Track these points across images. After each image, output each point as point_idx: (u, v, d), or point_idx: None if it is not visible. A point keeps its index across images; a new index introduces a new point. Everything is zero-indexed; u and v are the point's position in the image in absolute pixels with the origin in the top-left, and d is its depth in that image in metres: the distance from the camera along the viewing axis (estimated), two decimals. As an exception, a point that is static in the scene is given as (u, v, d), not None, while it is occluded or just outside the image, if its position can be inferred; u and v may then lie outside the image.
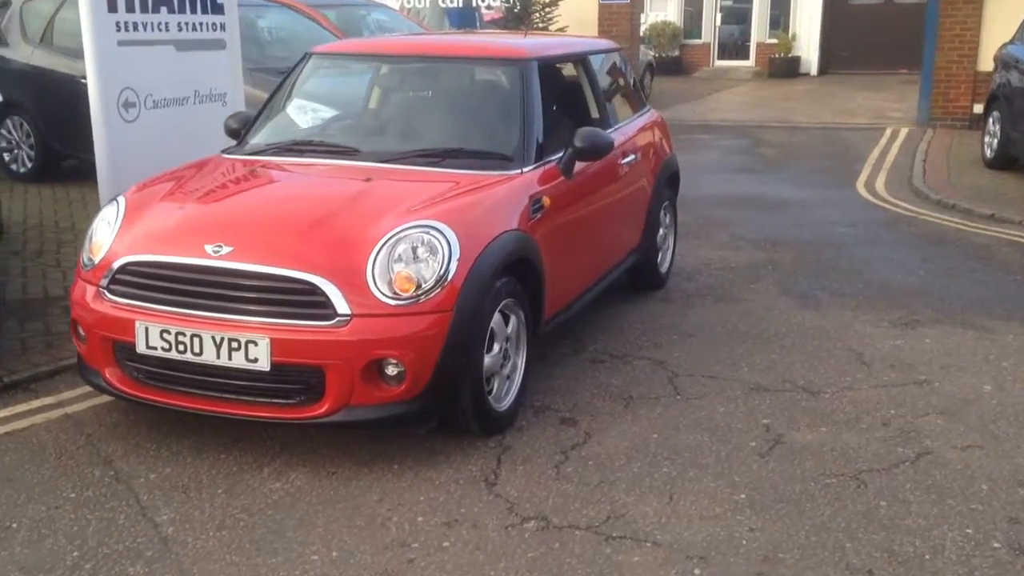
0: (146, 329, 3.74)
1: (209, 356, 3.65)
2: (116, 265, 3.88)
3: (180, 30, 6.44)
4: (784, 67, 22.75)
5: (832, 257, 7.13)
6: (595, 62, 5.53)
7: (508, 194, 4.20)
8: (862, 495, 3.66)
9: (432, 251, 3.71)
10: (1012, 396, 4.58)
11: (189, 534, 3.34)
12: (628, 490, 3.68)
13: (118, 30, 5.76)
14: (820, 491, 3.69)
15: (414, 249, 3.71)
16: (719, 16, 24.23)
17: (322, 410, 3.64)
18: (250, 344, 3.60)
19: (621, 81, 6.07)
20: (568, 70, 5.51)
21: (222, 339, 3.63)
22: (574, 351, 5.13)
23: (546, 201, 4.36)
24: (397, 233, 3.73)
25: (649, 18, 23.60)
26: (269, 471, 3.77)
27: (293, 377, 3.63)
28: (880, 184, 10.07)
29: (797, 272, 6.72)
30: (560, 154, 4.59)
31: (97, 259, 3.99)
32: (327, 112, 5.29)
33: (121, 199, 4.21)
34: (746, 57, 24.14)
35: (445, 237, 3.74)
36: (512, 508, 3.52)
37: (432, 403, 3.74)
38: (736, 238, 7.70)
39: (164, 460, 3.86)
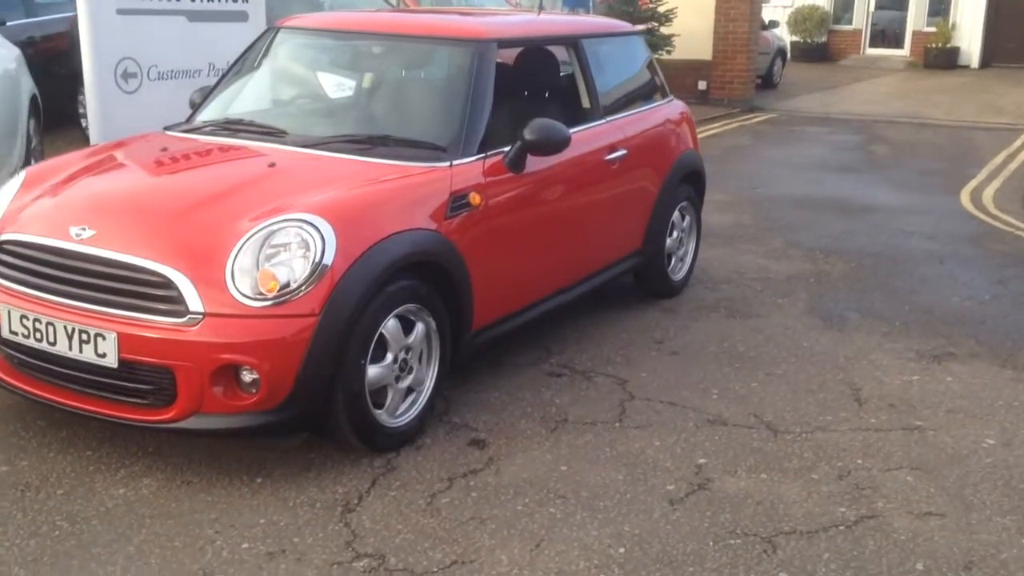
0: (8, 313, 3.52)
1: (62, 347, 3.41)
2: (-5, 243, 3.67)
3: (194, 0, 6.25)
4: (941, 58, 21.32)
5: (889, 273, 6.41)
6: (591, 46, 5.01)
7: (419, 189, 3.79)
8: (762, 563, 3.13)
9: (304, 248, 3.35)
10: (1015, 454, 3.91)
11: (-3, 539, 3.10)
12: (495, 532, 3.25)
13: (118, -2, 5.55)
14: (716, 553, 3.17)
15: (284, 245, 3.36)
16: (873, 1, 22.85)
17: (169, 415, 3.34)
18: (99, 337, 3.33)
19: (630, 68, 5.53)
20: (558, 55, 5.02)
21: (73, 330, 3.37)
22: (533, 361, 4.69)
23: (474, 199, 3.93)
24: (267, 227, 3.39)
25: (796, 1, 22.48)
26: (124, 474, 3.50)
27: (143, 376, 3.34)
28: (988, 194, 9.15)
29: (839, 288, 6.06)
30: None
31: (-14, 235, 3.80)
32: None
33: (23, 172, 4.01)
34: (900, 46, 22.76)
35: (320, 233, 3.37)
36: (351, 543, 3.14)
37: (295, 415, 3.39)
38: (790, 245, 7.05)
39: (27, 452, 3.64)
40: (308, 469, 3.57)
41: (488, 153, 4.12)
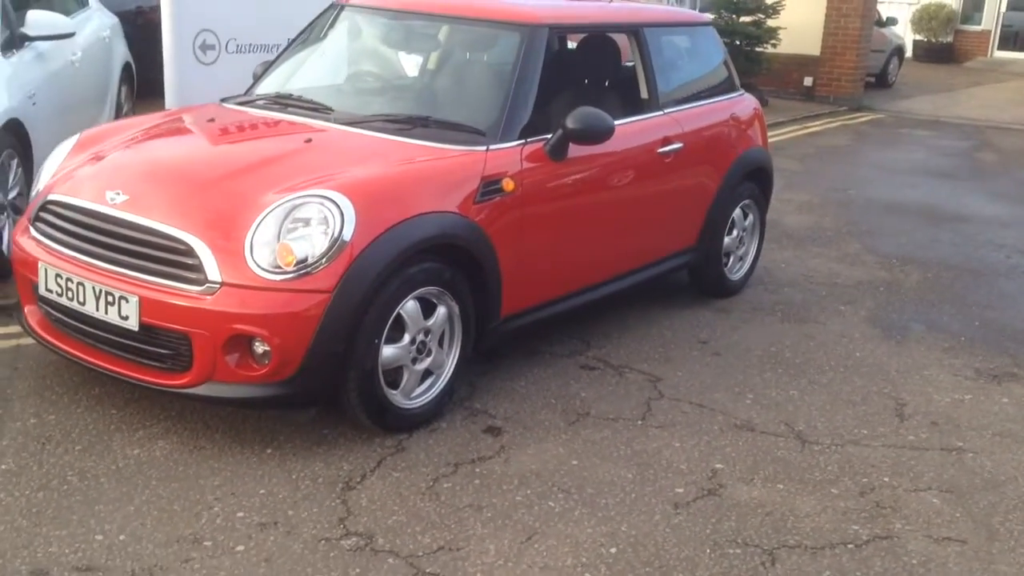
0: (45, 271, 3.64)
1: (90, 307, 3.51)
2: (41, 202, 3.80)
3: (275, -26, 6.31)
4: (1073, 65, 20.29)
5: (967, 286, 6.15)
6: (654, 35, 4.91)
7: (449, 172, 3.78)
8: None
9: (324, 224, 3.37)
10: (1055, 485, 3.71)
11: (9, 489, 3.21)
12: (489, 520, 3.23)
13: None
14: (710, 561, 3.10)
15: (305, 221, 3.39)
16: (1005, 1, 21.89)
17: (184, 380, 3.41)
18: (123, 300, 3.42)
19: (697, 59, 5.41)
20: (620, 42, 4.94)
21: (100, 291, 3.47)
22: (570, 353, 4.65)
23: (507, 184, 3.90)
24: (289, 201, 3.42)
25: None
26: (142, 435, 3.60)
27: (162, 341, 3.42)
28: (1094, 209, 8.69)
29: (908, 298, 5.84)
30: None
31: (35, 192, 3.94)
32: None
33: (77, 135, 4.13)
34: (1032, 50, 21.74)
35: (340, 210, 3.39)
36: (344, 520, 3.16)
37: (304, 389, 3.42)
38: (867, 251, 6.82)
39: (58, 407, 3.76)
40: (319, 444, 3.60)
41: (529, 140, 4.07)
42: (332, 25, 4.71)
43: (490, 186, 3.84)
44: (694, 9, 14.27)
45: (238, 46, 6.22)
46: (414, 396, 3.74)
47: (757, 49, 13.15)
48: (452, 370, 3.85)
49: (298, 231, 3.37)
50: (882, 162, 10.39)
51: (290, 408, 3.60)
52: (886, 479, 3.69)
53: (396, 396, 3.66)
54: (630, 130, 4.66)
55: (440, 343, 3.81)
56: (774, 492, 3.54)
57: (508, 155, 3.97)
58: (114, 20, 7.58)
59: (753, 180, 5.61)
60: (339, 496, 3.29)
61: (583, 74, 5.05)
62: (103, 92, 6.97)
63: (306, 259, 3.34)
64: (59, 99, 5.80)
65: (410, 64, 4.59)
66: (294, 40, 4.82)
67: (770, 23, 13.14)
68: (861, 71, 14.22)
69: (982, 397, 4.50)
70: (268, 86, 4.61)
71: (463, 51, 4.55)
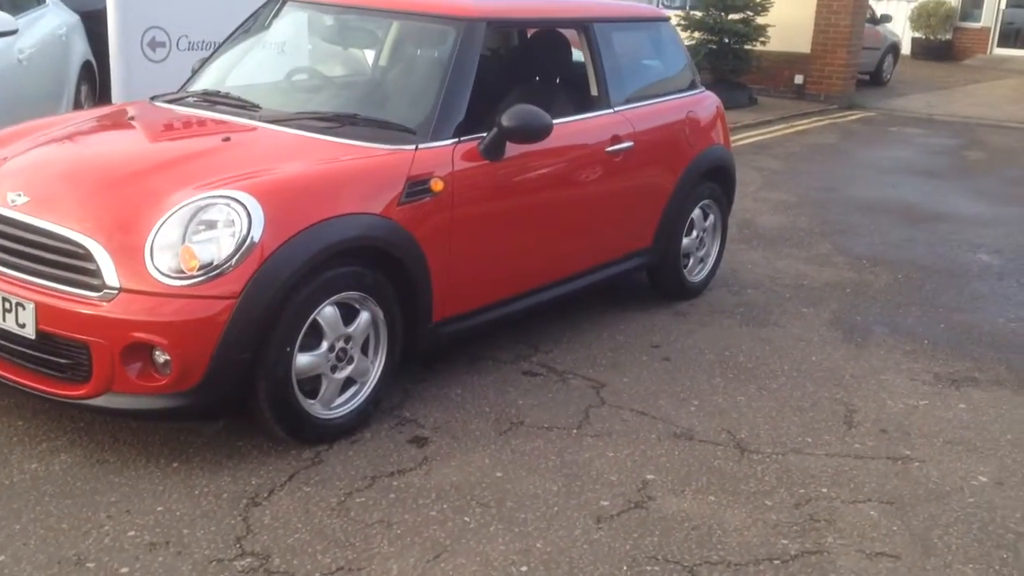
0: (-53, 276, 3.49)
1: (-10, 314, 3.35)
2: (-52, 204, 3.65)
3: (227, -31, 6.16)
4: (1073, 62, 20.06)
5: (937, 288, 5.98)
6: (605, 30, 4.75)
7: (372, 172, 3.63)
8: (671, 597, 2.88)
9: (230, 227, 3.22)
10: (1004, 496, 3.55)
11: None
12: (398, 538, 3.07)
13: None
14: (625, 581, 2.94)
15: (210, 223, 3.24)
16: (1004, -2, 21.67)
17: (83, 391, 3.26)
18: (19, 307, 3.27)
19: (653, 55, 5.25)
20: (567, 37, 4.78)
21: (1, 297, 3.31)
22: (515, 358, 4.49)
23: (436, 185, 3.74)
24: (195, 202, 3.27)
25: (920, -4, 21.49)
26: (44, 448, 3.45)
27: (61, 350, 3.27)
28: (1079, 207, 8.51)
29: (875, 300, 5.68)
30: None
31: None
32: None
33: (-9, 134, 4.00)
34: (1032, 47, 21.50)
35: (248, 212, 3.23)
36: (241, 539, 3.01)
37: (208, 400, 3.26)
38: (838, 251, 6.66)
39: (-36, 417, 3.61)
40: (231, 457, 3.45)
41: (462, 138, 3.92)
42: (269, 20, 4.57)
43: (417, 187, 3.69)
44: (684, 8, 14.13)
45: (190, 43, 6.09)
46: (335, 406, 3.59)
47: (746, 47, 12.98)
48: (377, 378, 3.70)
49: (203, 234, 3.22)
50: (867, 161, 10.22)
51: (195, 420, 3.45)
52: (824, 490, 3.53)
53: (314, 406, 3.51)
54: (576, 128, 4.51)
55: (365, 350, 3.65)
56: (704, 504, 3.38)
57: (438, 155, 3.82)
58: (74, 18, 7.45)
59: (713, 180, 5.44)
60: (241, 513, 3.13)
61: (530, 71, 4.90)
62: (58, 90, 6.84)
63: (211, 263, 3.19)
64: (2, 97, 5.66)
65: (348, 61, 4.43)
66: (231, 35, 4.67)
67: (759, 20, 12.97)
68: (852, 69, 14.03)
69: (938, 403, 4.33)
70: (201, 82, 4.46)
71: (400, 47, 4.40)
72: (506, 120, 3.91)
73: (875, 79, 16.71)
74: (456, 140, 3.90)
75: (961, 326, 5.34)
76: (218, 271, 3.16)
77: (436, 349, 4.14)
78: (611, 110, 4.72)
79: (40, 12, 6.91)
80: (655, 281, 5.36)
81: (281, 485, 3.30)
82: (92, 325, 3.17)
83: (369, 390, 3.68)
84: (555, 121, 4.39)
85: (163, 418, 3.38)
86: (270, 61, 4.50)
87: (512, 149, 4.06)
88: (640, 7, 5.32)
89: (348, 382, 3.64)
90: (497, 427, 3.83)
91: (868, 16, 15.95)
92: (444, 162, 3.81)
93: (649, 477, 3.54)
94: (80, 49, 7.37)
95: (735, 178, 5.67)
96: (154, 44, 5.88)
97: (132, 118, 4.05)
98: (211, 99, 4.23)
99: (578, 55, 4.86)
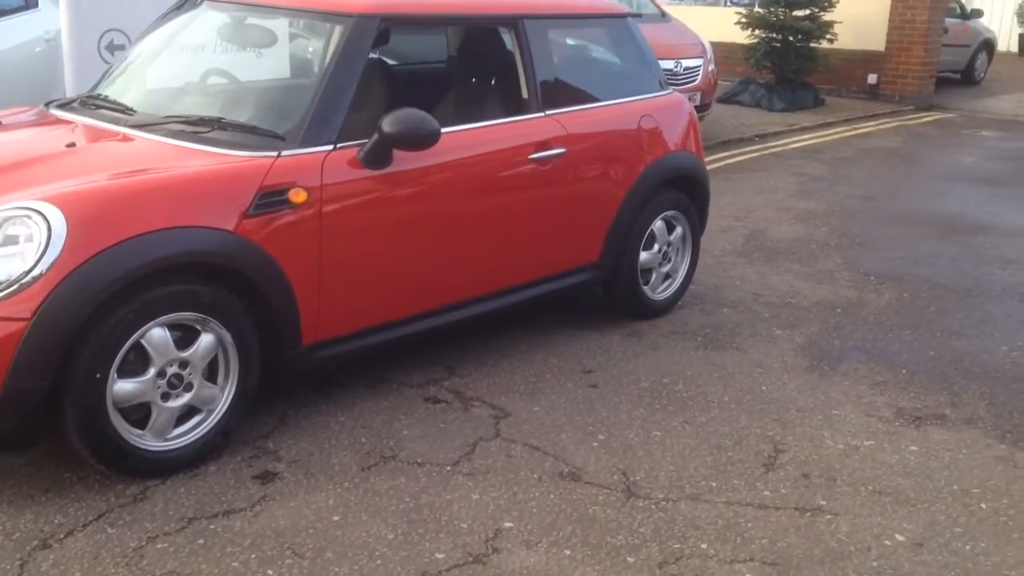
0: None
1: None
2: None
3: (193, -29, 5.98)
4: None
5: (943, 309, 5.42)
6: (538, 28, 4.38)
7: (216, 181, 3.34)
8: (458, 673, 2.51)
9: (28, 241, 2.98)
10: (917, 559, 3.08)
11: None
12: (184, 589, 2.77)
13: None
14: (415, 652, 2.58)
15: (11, 237, 3.00)
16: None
17: None
18: None
19: (600, 55, 4.85)
20: (495, 35, 4.43)
21: None
22: (424, 382, 4.17)
23: (296, 196, 3.45)
24: (-6, 214, 3.03)
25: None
26: None
27: None
28: None
29: (866, 322, 5.17)
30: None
31: None
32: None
33: None
34: None
35: (48, 224, 2.97)
36: (12, 583, 2.76)
37: (7, 429, 3.02)
38: (846, 266, 6.13)
39: None
40: (49, 490, 3.21)
41: (339, 145, 3.61)
42: (170, 19, 4.34)
43: (270, 197, 3.39)
44: (752, 5, 13.52)
45: (152, 47, 5.89)
46: (172, 436, 3.31)
47: (811, 45, 12.32)
48: (227, 407, 3.41)
49: (4, 249, 2.98)
50: (923, 166, 9.54)
51: (9, 449, 3.21)
52: (704, 546, 3.10)
53: (144, 437, 3.24)
54: (490, 133, 4.16)
55: (213, 376, 3.38)
56: (555, 560, 2.99)
57: (305, 162, 3.52)
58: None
59: (679, 189, 5.01)
60: (23, 559, 2.88)
61: (467, 72, 4.56)
62: (43, 94, 6.77)
63: (7, 280, 2.95)
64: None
65: (243, 61, 4.17)
66: (139, 37, 4.46)
67: (826, 17, 12.30)
68: (930, 68, 13.21)
69: (885, 444, 3.84)
70: (102, 85, 4.26)
71: (288, 47, 4.11)
72: (387, 125, 3.59)
73: (966, 78, 15.79)
74: (332, 147, 3.59)
75: (953, 354, 4.78)
76: (10, 290, 2.92)
77: (319, 373, 3.84)
78: (541, 113, 4.34)
79: (26, 17, 6.86)
80: (611, 298, 4.95)
81: (84, 525, 3.03)
82: None
83: (216, 419, 3.40)
84: (470, 125, 4.08)
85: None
86: (169, 63, 4.26)
87: (406, 157, 3.73)
88: (591, 3, 4.91)
89: (192, 410, 3.35)
90: (364, 461, 3.51)
91: (958, 11, 15.07)
92: (311, 171, 3.51)
93: (506, 525, 3.17)
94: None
95: (707, 187, 5.22)
96: (112, 47, 5.72)
97: (2, 124, 3.85)
98: (93, 103, 4.02)
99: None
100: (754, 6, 13.41)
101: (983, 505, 3.42)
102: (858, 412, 4.11)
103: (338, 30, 3.77)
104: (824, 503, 3.39)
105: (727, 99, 12.49)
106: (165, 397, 3.25)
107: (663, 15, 10.30)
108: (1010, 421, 4.07)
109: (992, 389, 4.39)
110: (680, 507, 3.32)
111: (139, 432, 3.23)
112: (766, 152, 9.89)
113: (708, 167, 8.97)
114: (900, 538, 3.20)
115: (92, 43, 5.64)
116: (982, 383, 4.45)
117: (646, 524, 3.21)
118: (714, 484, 3.48)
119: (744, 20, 12.34)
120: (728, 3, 14.95)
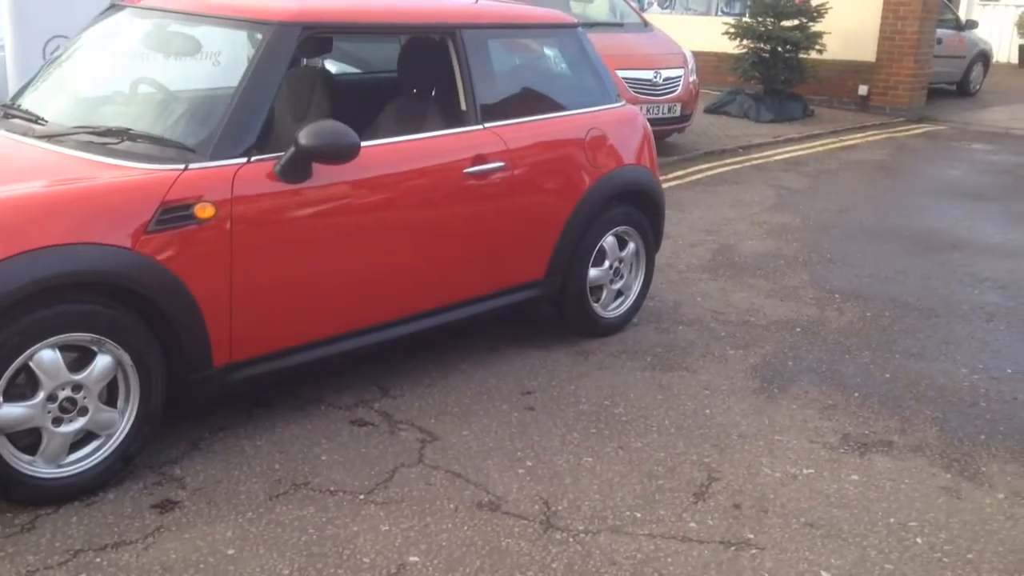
0: None
1: None
2: None
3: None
4: None
5: (905, 329, 5.26)
6: (478, 38, 4.24)
7: (111, 195, 3.20)
8: None
9: (-91, 260, 2.84)
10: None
11: None
12: (55, 627, 2.62)
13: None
14: None
15: None
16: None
17: None
18: None
19: (551, 66, 4.70)
20: (432, 45, 4.28)
21: None
22: (353, 403, 4.02)
23: (202, 211, 3.30)
24: None
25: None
26: None
27: None
28: None
29: (823, 342, 5.01)
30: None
31: None
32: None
33: None
34: None
35: (-76, 241, 2.84)
36: None
37: None
38: (812, 284, 5.96)
39: None
40: (-69, 516, 3.06)
41: (254, 158, 3.47)
42: (93, 26, 4.21)
43: (172, 212, 3.25)
44: (742, 15, 13.37)
45: (103, 55, 5.77)
46: (66, 463, 3.17)
47: (800, 55, 12.16)
48: (127, 431, 3.27)
49: None
50: (908, 179, 9.38)
51: None
52: (618, 585, 2.94)
53: (35, 463, 3.10)
54: (421, 146, 4.03)
55: (113, 399, 3.23)
56: (456, 598, 2.83)
57: (213, 176, 3.37)
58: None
59: (631, 204, 4.86)
60: None
61: (407, 83, 4.41)
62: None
63: None
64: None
65: (164, 70, 4.02)
66: (69, 43, 4.33)
67: (815, 28, 12.15)
68: (921, 79, 13.05)
69: (826, 472, 3.67)
70: (23, 93, 4.12)
71: (207, 55, 3.96)
72: (303, 138, 3.45)
73: (962, 90, 15.61)
74: (246, 160, 3.44)
75: (910, 376, 4.62)
76: None
77: (235, 395, 3.69)
78: (479, 126, 4.19)
79: None
80: (562, 316, 4.80)
81: (-38, 556, 2.89)
82: None
83: (115, 445, 3.26)
84: (400, 138, 3.95)
85: None
86: (88, 72, 4.12)
87: (328, 171, 3.59)
88: (537, 11, 4.76)
89: (90, 435, 3.21)
90: (273, 489, 3.36)
91: (953, 22, 14.91)
92: (219, 184, 3.36)
93: (412, 559, 3.01)
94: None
95: (661, 202, 5.06)
96: (58, 54, 5.58)
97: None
98: (11, 112, 3.89)
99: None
100: (743, 16, 13.26)
101: (919, 540, 3.25)
102: (802, 438, 3.95)
103: (257, 37, 3.64)
104: (752, 536, 3.23)
105: (715, 110, 12.34)
106: (57, 422, 3.11)
107: (645, 24, 10.16)
108: (959, 449, 3.91)
109: (945, 414, 4.23)
110: (599, 540, 3.16)
111: (29, 458, 3.08)
112: (748, 164, 9.73)
113: (687, 179, 8.87)
114: (826, 575, 3.03)
115: (36, 50, 5.52)
116: (936, 407, 4.29)
117: (560, 559, 3.05)
118: (639, 515, 3.32)
119: (732, 30, 12.18)
120: (718, 12, 14.82)
